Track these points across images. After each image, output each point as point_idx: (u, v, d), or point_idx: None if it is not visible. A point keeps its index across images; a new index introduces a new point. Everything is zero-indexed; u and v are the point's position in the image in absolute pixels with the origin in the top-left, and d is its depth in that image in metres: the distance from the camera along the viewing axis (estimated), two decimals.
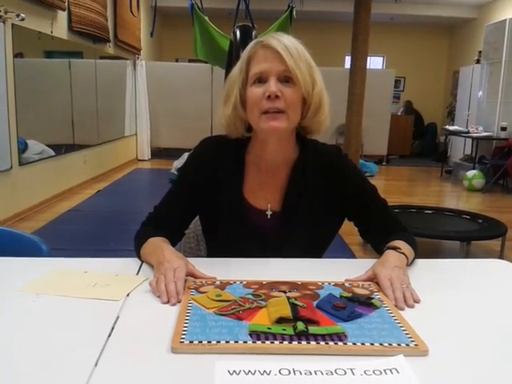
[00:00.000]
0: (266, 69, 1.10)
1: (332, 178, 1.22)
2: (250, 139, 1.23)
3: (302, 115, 1.16)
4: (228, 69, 4.38)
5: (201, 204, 1.25)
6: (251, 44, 1.16)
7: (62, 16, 5.25)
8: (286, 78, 1.10)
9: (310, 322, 0.82)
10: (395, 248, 1.12)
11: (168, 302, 0.91)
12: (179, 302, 0.91)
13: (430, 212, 4.14)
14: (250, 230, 1.22)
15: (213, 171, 1.22)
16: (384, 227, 1.24)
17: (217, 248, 1.30)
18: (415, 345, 0.76)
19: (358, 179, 1.27)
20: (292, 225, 1.21)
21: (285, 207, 1.22)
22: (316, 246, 1.27)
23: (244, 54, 1.16)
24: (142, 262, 1.15)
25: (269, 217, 1.22)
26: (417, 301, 0.95)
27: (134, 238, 1.21)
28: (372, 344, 0.76)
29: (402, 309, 0.91)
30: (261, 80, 1.11)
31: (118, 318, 0.85)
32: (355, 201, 1.24)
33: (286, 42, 1.11)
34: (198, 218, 1.35)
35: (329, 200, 1.23)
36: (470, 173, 6.60)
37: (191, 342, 0.76)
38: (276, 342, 0.76)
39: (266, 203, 1.23)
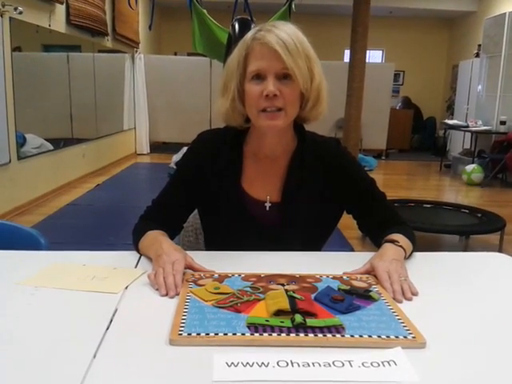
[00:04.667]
0: (263, 67, 1.08)
1: (331, 170, 1.22)
2: (248, 130, 1.23)
3: (301, 107, 1.16)
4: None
5: (199, 197, 1.25)
6: (249, 37, 1.12)
7: (60, 9, 5.22)
8: (284, 75, 1.08)
9: (307, 314, 0.82)
10: (393, 241, 1.12)
11: (166, 295, 0.92)
12: (178, 294, 0.91)
13: (428, 206, 4.14)
14: (249, 221, 1.22)
15: (210, 164, 1.22)
16: (382, 220, 1.24)
17: (215, 240, 1.30)
18: (413, 337, 0.77)
19: (357, 172, 1.27)
20: (291, 216, 1.21)
21: (284, 198, 1.22)
22: (315, 237, 1.27)
23: (241, 47, 1.13)
24: (141, 255, 1.15)
25: (267, 208, 1.22)
26: (415, 293, 0.95)
27: (133, 231, 1.21)
28: (370, 336, 0.77)
29: (400, 301, 0.91)
30: (259, 77, 1.10)
31: (116, 310, 0.85)
32: (353, 193, 1.24)
33: (284, 37, 1.07)
34: (196, 211, 1.35)
35: (327, 192, 1.23)
36: (469, 167, 6.60)
37: (189, 334, 0.76)
38: (274, 335, 0.76)
39: (265, 194, 1.23)
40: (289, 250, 1.17)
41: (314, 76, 1.12)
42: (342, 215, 1.30)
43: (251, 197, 1.23)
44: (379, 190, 1.28)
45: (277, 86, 1.08)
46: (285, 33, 1.08)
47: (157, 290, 0.94)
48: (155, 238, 1.13)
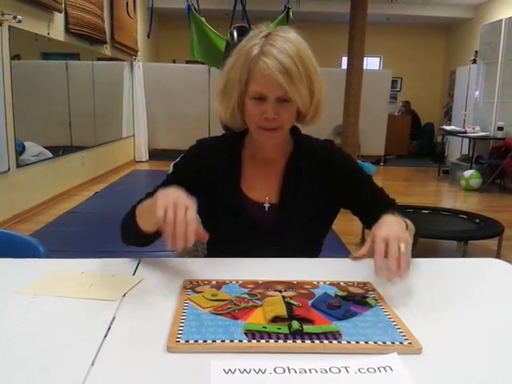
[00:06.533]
0: (264, 91, 1.10)
1: (327, 169, 1.24)
2: (246, 132, 1.26)
3: (299, 119, 1.19)
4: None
5: (197, 201, 1.25)
6: (251, 56, 1.09)
7: (59, 18, 5.25)
8: (285, 98, 1.10)
9: (304, 320, 0.82)
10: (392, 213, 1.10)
11: (176, 248, 0.90)
12: (187, 247, 0.90)
13: (427, 212, 4.15)
14: (249, 223, 1.23)
15: (209, 168, 1.24)
16: (382, 210, 1.23)
17: (216, 243, 1.30)
18: (409, 343, 0.77)
19: (353, 168, 1.29)
20: (290, 216, 1.23)
21: (282, 199, 1.23)
22: (314, 236, 1.29)
23: (243, 64, 1.11)
24: (139, 261, 1.14)
25: (266, 209, 1.24)
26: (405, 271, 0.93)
27: (120, 225, 1.20)
28: (366, 342, 0.77)
29: (394, 280, 0.91)
30: (259, 97, 1.11)
31: (114, 318, 0.86)
32: (351, 189, 1.26)
33: (286, 62, 1.06)
34: None
35: (325, 190, 1.25)
36: (467, 173, 6.62)
37: (187, 341, 0.76)
38: (271, 341, 0.77)
39: (264, 196, 1.24)
40: (289, 249, 1.18)
41: (314, 94, 1.14)
42: (340, 219, 1.31)
43: (250, 199, 1.24)
44: (377, 185, 1.30)
45: (276, 109, 1.11)
46: (286, 55, 1.07)
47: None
48: (152, 198, 1.05)
